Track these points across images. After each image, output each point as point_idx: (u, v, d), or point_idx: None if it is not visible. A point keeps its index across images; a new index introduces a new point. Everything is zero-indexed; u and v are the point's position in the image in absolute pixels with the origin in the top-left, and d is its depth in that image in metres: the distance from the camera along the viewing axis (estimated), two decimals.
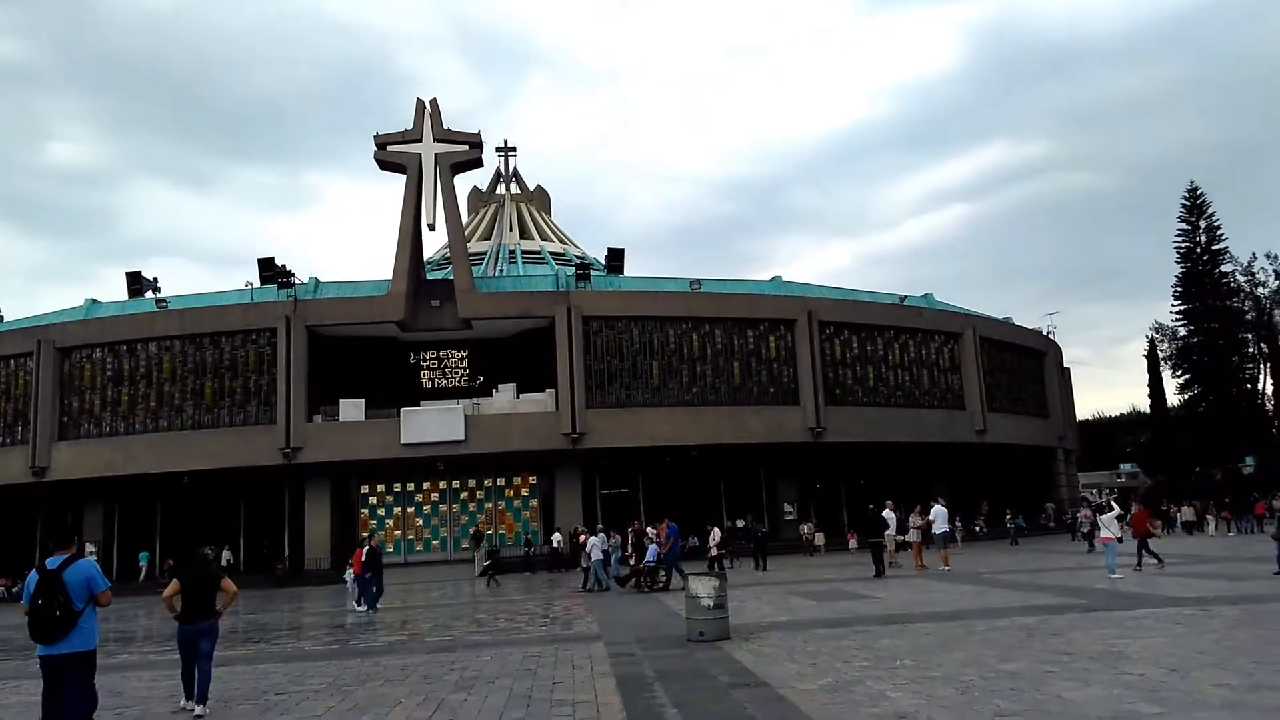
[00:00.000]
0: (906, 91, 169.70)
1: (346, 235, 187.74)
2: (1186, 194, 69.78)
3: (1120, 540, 20.28)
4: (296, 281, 37.70)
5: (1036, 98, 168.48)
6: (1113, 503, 26.80)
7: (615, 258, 41.73)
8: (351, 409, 36.61)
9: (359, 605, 20.30)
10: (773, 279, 43.59)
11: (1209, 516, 40.71)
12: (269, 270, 37.06)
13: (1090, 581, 18.24)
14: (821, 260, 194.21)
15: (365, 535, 22.67)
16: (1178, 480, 63.45)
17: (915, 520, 25.54)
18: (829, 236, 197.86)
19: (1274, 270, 63.35)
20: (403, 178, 38.56)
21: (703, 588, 12.15)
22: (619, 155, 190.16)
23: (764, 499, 41.76)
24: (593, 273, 41.56)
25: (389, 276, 37.54)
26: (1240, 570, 19.54)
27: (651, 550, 21.35)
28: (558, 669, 10.52)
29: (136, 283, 40.07)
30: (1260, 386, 65.80)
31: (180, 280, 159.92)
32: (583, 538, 24.66)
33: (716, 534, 24.73)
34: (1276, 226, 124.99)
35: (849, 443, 39.67)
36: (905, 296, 44.51)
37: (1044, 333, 53.32)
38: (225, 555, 37.06)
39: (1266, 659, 8.87)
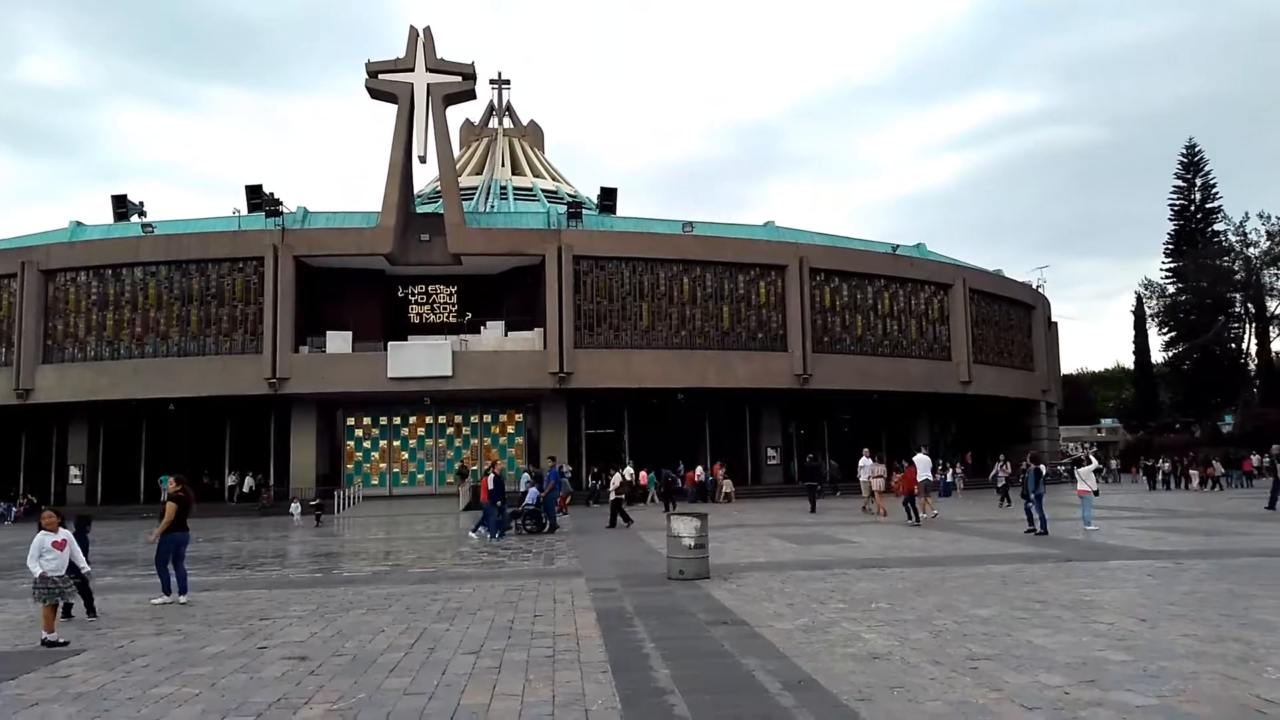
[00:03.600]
0: (904, 39, 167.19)
1: (336, 165, 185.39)
2: (1184, 150, 69.62)
3: (1097, 493, 20.57)
4: (285, 210, 37.25)
5: (1033, 49, 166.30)
6: (1091, 456, 27.14)
7: (608, 197, 41.33)
8: (339, 341, 36.49)
9: (473, 532, 20.28)
10: (765, 224, 43.32)
11: (1192, 472, 41.28)
12: (257, 198, 36.57)
13: (1066, 532, 18.54)
14: (814, 206, 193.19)
15: (490, 464, 22.40)
16: (1156, 436, 64.22)
17: (878, 469, 25.90)
18: (822, 183, 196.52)
19: (1266, 230, 63.36)
20: (394, 108, 37.90)
21: (684, 527, 12.30)
22: (613, 93, 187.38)
23: (748, 443, 42.09)
24: (585, 212, 41.17)
25: (378, 208, 37.12)
26: (1213, 525, 19.88)
27: (531, 493, 21.24)
28: (539, 602, 10.68)
29: (122, 206, 39.47)
30: (1244, 346, 66.32)
31: (166, 206, 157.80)
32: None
33: (617, 479, 24.47)
34: (1269, 184, 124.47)
35: (835, 390, 39.87)
36: (898, 246, 44.35)
37: (1034, 286, 53.38)
38: (248, 481, 38.06)
39: (1232, 611, 9.07)
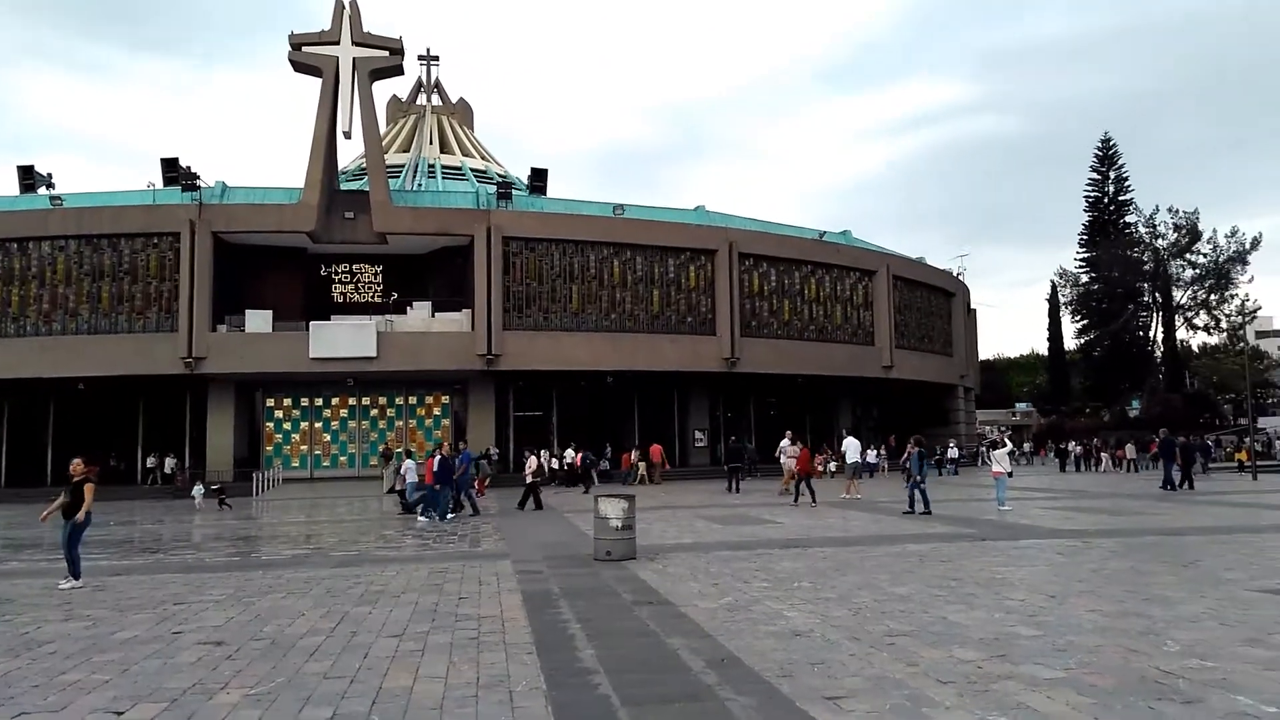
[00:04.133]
0: (834, 27, 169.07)
1: (257, 140, 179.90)
2: (1100, 144, 71.96)
3: (1010, 475, 21.24)
4: (202, 185, 36.03)
5: (960, 39, 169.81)
6: (1006, 440, 28.03)
7: (538, 178, 40.99)
8: (258, 320, 35.50)
9: (421, 515, 19.92)
10: (696, 208, 43.48)
11: (1103, 455, 42.92)
12: (173, 171, 35.26)
13: (981, 513, 19.12)
14: (744, 192, 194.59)
15: (435, 445, 21.85)
16: (1068, 420, 66.60)
17: (789, 449, 26.47)
18: (752, 168, 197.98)
19: (1173, 223, 65.98)
20: (318, 82, 36.90)
21: (612, 509, 12.33)
22: (545, 73, 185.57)
23: (676, 425, 42.36)
24: (514, 192, 40.76)
25: (301, 185, 36.18)
26: (1119, 506, 20.72)
27: (411, 476, 21.05)
28: (464, 585, 10.61)
29: (29, 177, 37.73)
30: (1151, 334, 69.08)
31: (76, 178, 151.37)
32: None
33: (533, 462, 24.28)
34: (1177, 178, 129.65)
35: (762, 373, 40.35)
36: (824, 232, 44.99)
37: (954, 273, 54.70)
38: (168, 463, 36.70)
39: (1135, 587, 9.48)
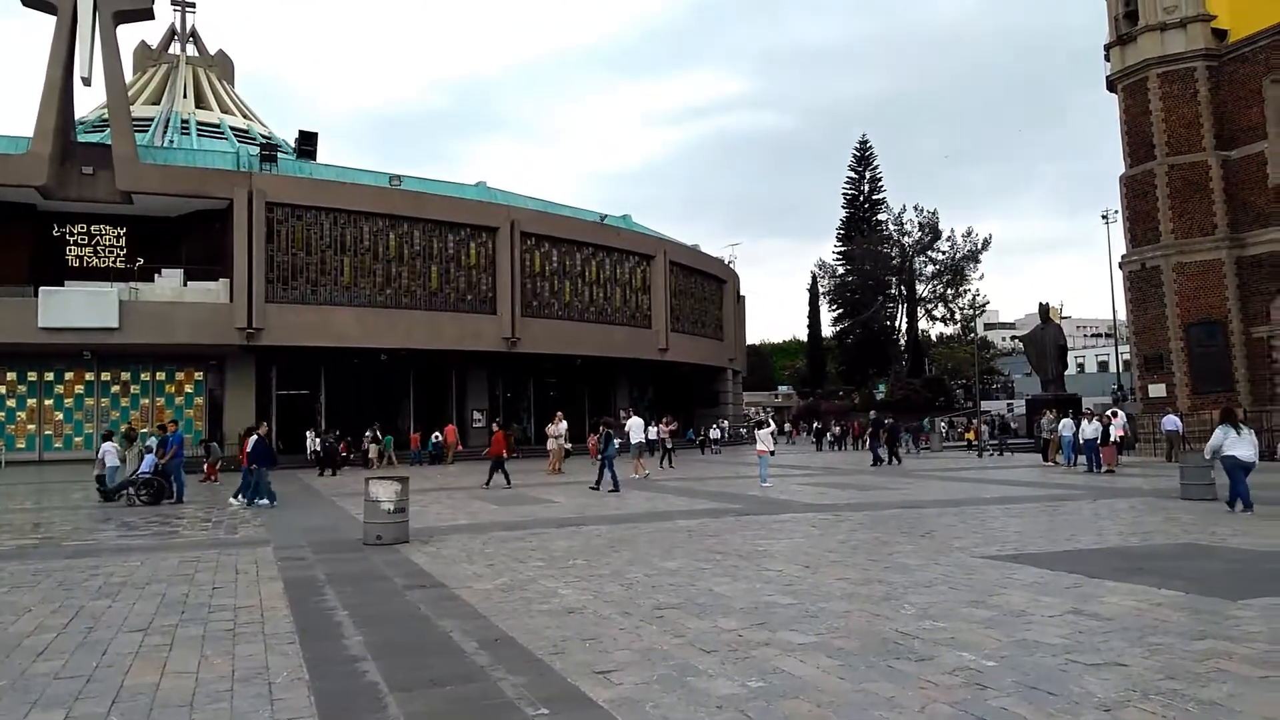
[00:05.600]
0: (621, 13, 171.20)
1: None
2: (858, 146, 77.47)
3: (772, 453, 22.55)
4: None
5: (741, 36, 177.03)
6: (770, 420, 29.72)
7: (307, 141, 38.85)
8: None
9: (241, 500, 18.26)
10: (477, 184, 42.82)
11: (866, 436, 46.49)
12: None
13: (745, 489, 20.18)
14: (526, 171, 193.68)
15: (254, 424, 19.73)
16: (823, 402, 71.52)
17: (555, 429, 27.12)
18: (536, 147, 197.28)
19: (919, 222, 72.17)
20: (52, 20, 32.97)
21: (383, 491, 11.94)
22: (315, 30, 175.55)
23: (454, 405, 41.67)
24: (280, 155, 38.39)
25: (30, 134, 32.25)
26: (867, 481, 22.52)
27: (148, 460, 20.06)
28: (219, 574, 9.93)
29: None
30: (897, 324, 75.38)
31: None
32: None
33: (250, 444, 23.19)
34: (922, 179, 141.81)
35: (542, 354, 40.46)
36: (605, 215, 45.66)
37: (726, 262, 57.21)
38: None
39: (879, 557, 10.34)
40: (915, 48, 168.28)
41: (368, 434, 33.71)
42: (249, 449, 18.69)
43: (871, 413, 34.02)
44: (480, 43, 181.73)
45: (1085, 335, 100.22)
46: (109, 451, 20.38)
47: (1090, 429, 24.73)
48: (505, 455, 22.94)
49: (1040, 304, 44.90)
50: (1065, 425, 27.26)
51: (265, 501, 18.33)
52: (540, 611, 7.65)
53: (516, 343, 38.74)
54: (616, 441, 21.41)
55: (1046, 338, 42.37)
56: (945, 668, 5.68)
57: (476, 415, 41.25)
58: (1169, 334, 32.10)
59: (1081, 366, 79.27)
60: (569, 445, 29.49)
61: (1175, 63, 32.49)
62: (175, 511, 17.57)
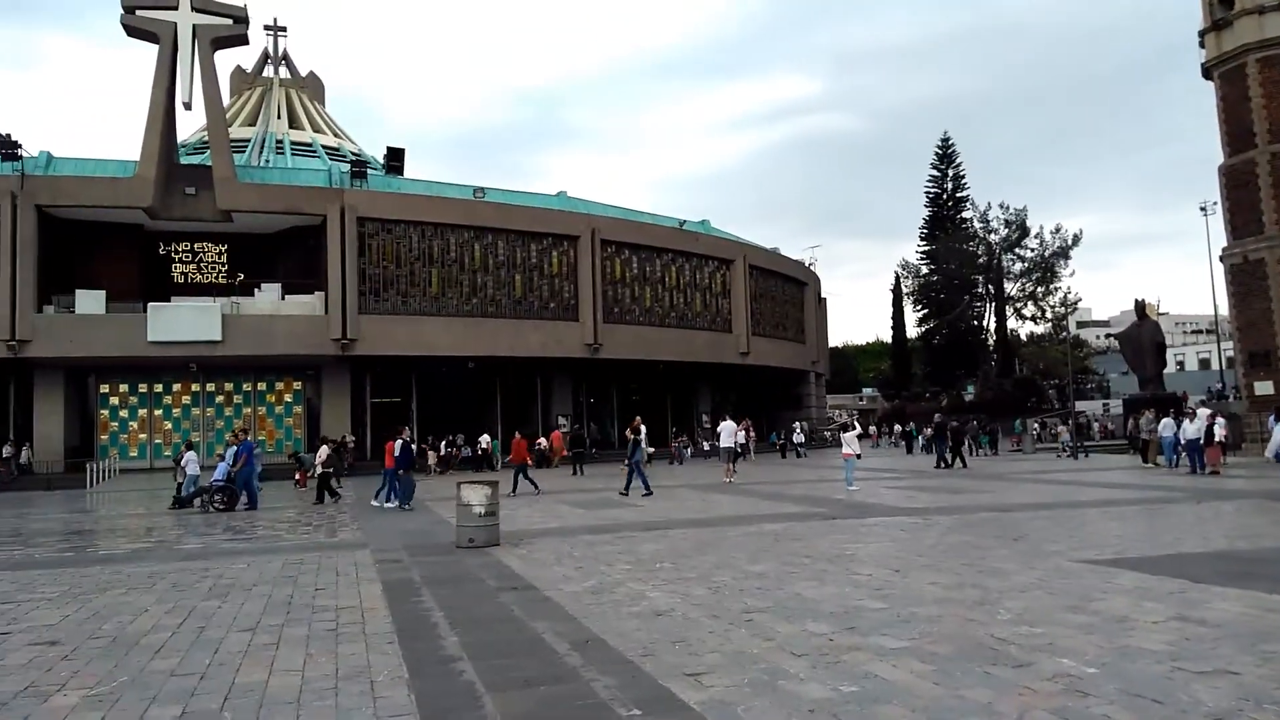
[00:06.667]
0: (692, 20, 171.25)
1: (88, 110, 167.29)
2: (940, 143, 75.91)
3: (859, 456, 22.26)
4: (24, 154, 33.29)
5: (813, 38, 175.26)
6: (855, 423, 29.34)
7: (395, 157, 39.92)
8: (90, 301, 33.16)
9: (386, 502, 19.24)
10: (558, 194, 43.36)
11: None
12: None
13: (830, 493, 19.97)
14: (604, 178, 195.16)
15: (398, 429, 20.70)
16: (909, 404, 70.17)
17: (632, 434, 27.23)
18: (612, 155, 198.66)
19: (1005, 219, 70.35)
20: (155, 48, 34.64)
21: (475, 495, 12.22)
22: (400, 51, 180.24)
23: (539, 411, 42.25)
24: (370, 172, 39.54)
25: (137, 158, 33.94)
26: (956, 485, 22.04)
27: (220, 469, 20.50)
28: (320, 576, 10.31)
29: None
30: (985, 323, 73.56)
31: None
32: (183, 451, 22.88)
33: (324, 451, 22.90)
34: (1008, 177, 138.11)
35: (624, 359, 40.73)
36: (684, 221, 45.73)
37: (807, 264, 56.68)
38: (25, 453, 34.14)
39: (971, 561, 10.14)
40: (991, 41, 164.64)
41: (443, 441, 34.83)
42: (395, 452, 19.31)
43: (936, 415, 33.32)
44: (555, 55, 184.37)
45: (1184, 332, 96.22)
46: (190, 460, 21.31)
47: (1192, 428, 23.73)
48: (528, 462, 23.20)
49: (1136, 300, 43.17)
50: (1165, 425, 26.22)
51: (384, 503, 19.01)
52: (629, 614, 7.74)
53: (599, 349, 39.09)
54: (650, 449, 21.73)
55: (1143, 335, 40.80)
56: (1044, 674, 5.57)
57: (561, 420, 41.72)
58: (1275, 329, 30.59)
59: (1181, 364, 76.04)
60: (651, 449, 29.69)
61: (1275, 47, 31.01)
62: (275, 517, 18.25)
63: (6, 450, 33.86)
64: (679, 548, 11.75)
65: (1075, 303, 72.80)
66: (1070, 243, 69.17)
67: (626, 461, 20.84)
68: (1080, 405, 59.85)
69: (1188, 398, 36.63)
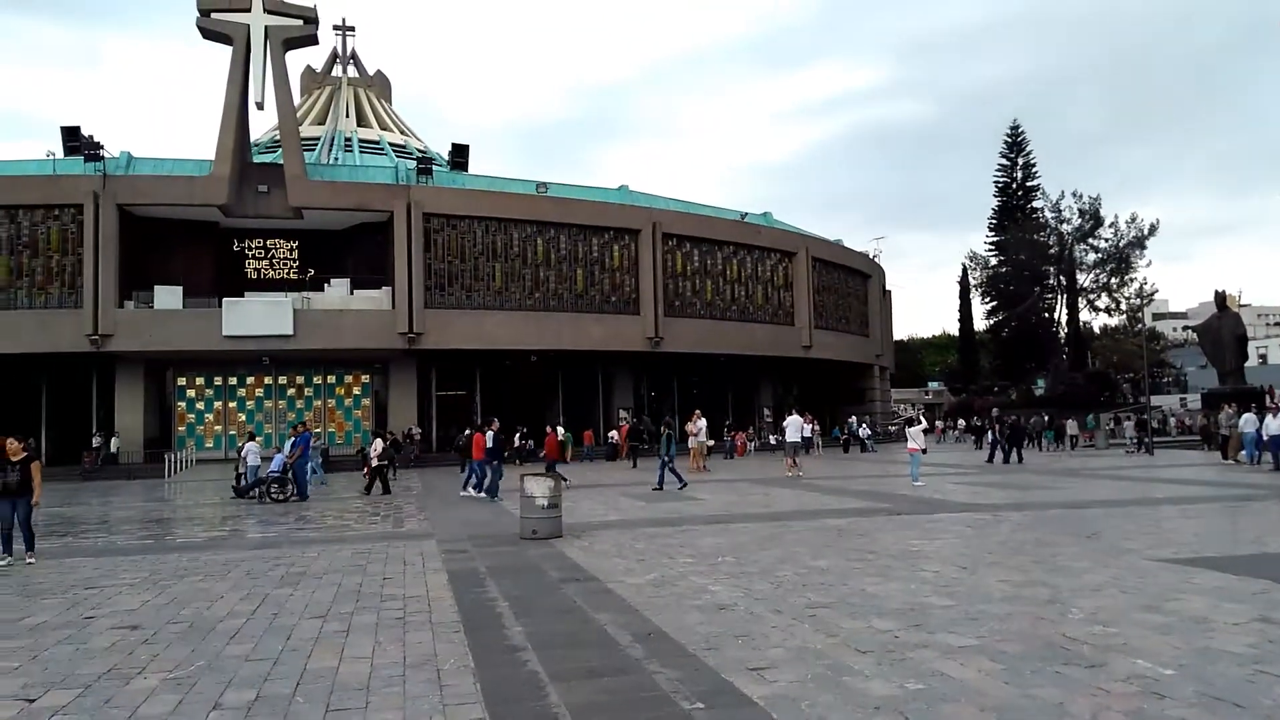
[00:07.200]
0: (754, 8, 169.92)
1: (165, 111, 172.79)
2: (1009, 131, 74.04)
3: (925, 451, 21.89)
4: (106, 155, 34.51)
5: (877, 25, 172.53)
6: (921, 417, 28.86)
7: (460, 154, 40.41)
8: (168, 296, 34.31)
9: (476, 491, 19.57)
10: (619, 188, 43.45)
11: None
12: (74, 140, 33.74)
13: (895, 488, 19.69)
14: (665, 171, 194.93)
15: (485, 421, 21.30)
16: (977, 399, 68.75)
17: (694, 427, 27.25)
18: (673, 148, 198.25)
19: (1077, 208, 68.32)
20: (229, 50, 35.60)
21: (538, 487, 12.34)
22: (464, 48, 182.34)
23: (601, 404, 42.46)
24: (435, 168, 40.12)
25: (212, 157, 34.95)
26: (1026, 481, 21.54)
27: (277, 460, 20.67)
28: (388, 565, 10.51)
29: None
30: (1056, 315, 71.64)
31: None
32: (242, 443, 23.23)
33: (378, 445, 22.83)
34: (1080, 164, 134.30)
35: (685, 353, 40.68)
36: (746, 213, 45.46)
37: (870, 256, 55.87)
38: (115, 442, 35.18)
39: (1040, 558, 9.91)
40: (1060, 22, 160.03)
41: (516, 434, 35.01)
42: (488, 444, 19.57)
43: (994, 410, 32.61)
44: (615, 47, 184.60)
45: (1267, 324, 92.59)
46: (251, 451, 21.81)
47: (1275, 424, 22.82)
48: (560, 458, 23.28)
49: (1216, 291, 41.67)
50: (1247, 420, 25.24)
51: (474, 493, 19.33)
52: (692, 607, 7.74)
53: (659, 342, 39.11)
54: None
55: (1223, 327, 39.40)
56: (1118, 675, 5.42)
57: (623, 413, 41.83)
58: None
59: (1264, 358, 73.19)
60: (711, 442, 29.66)
61: None
62: (344, 507, 18.65)
63: (96, 440, 35.19)
64: (741, 542, 11.70)
65: (1151, 294, 70.39)
66: (1146, 232, 66.91)
67: (663, 456, 20.86)
68: (1156, 400, 57.99)
69: (1273, 392, 35.23)
